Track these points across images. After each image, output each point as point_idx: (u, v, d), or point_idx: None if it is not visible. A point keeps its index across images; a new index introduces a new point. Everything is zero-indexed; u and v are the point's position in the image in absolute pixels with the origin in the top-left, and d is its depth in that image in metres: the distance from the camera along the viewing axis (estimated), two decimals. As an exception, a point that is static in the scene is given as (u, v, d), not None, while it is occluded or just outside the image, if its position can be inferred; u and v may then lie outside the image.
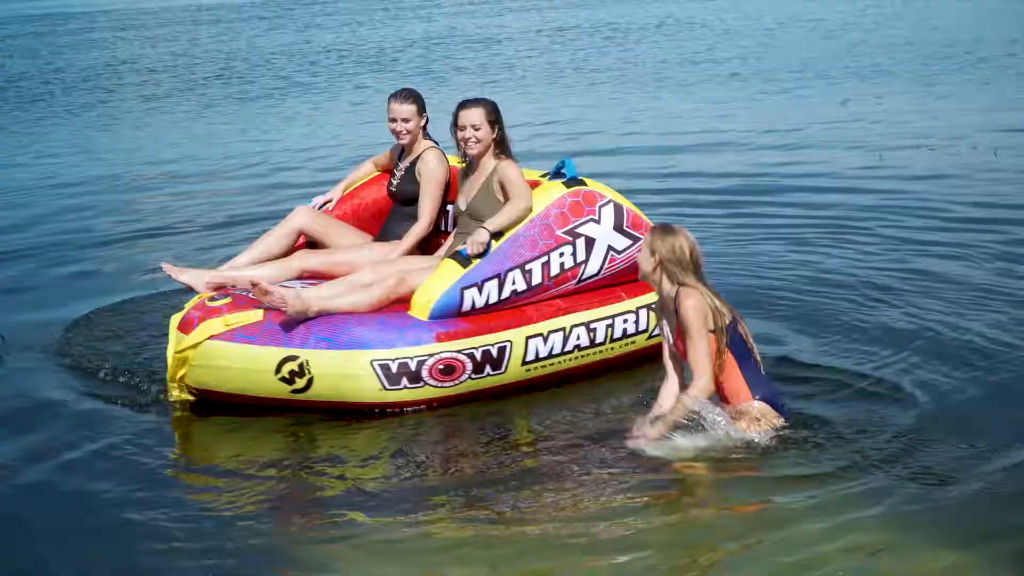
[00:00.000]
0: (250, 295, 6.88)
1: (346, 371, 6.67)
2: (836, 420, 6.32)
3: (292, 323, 6.73)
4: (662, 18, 34.55)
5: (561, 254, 7.05)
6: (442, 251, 7.40)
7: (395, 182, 7.67)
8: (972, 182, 11.96)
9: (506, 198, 7.07)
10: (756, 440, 6.00)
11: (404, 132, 7.51)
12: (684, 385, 6.17)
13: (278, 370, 6.69)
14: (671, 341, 6.21)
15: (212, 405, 6.90)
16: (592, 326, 7.11)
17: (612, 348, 7.20)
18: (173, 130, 18.49)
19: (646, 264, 6.16)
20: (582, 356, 7.09)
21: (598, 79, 22.13)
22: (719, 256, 9.21)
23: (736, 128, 15.92)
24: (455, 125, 7.22)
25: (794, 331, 7.79)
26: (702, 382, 6.00)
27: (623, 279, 7.25)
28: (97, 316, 8.49)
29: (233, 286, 7.12)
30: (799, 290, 8.66)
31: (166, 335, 7.11)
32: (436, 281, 6.86)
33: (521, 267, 6.95)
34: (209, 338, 6.76)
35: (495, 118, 7.18)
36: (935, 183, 11.97)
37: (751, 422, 6.08)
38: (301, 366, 6.67)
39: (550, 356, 6.99)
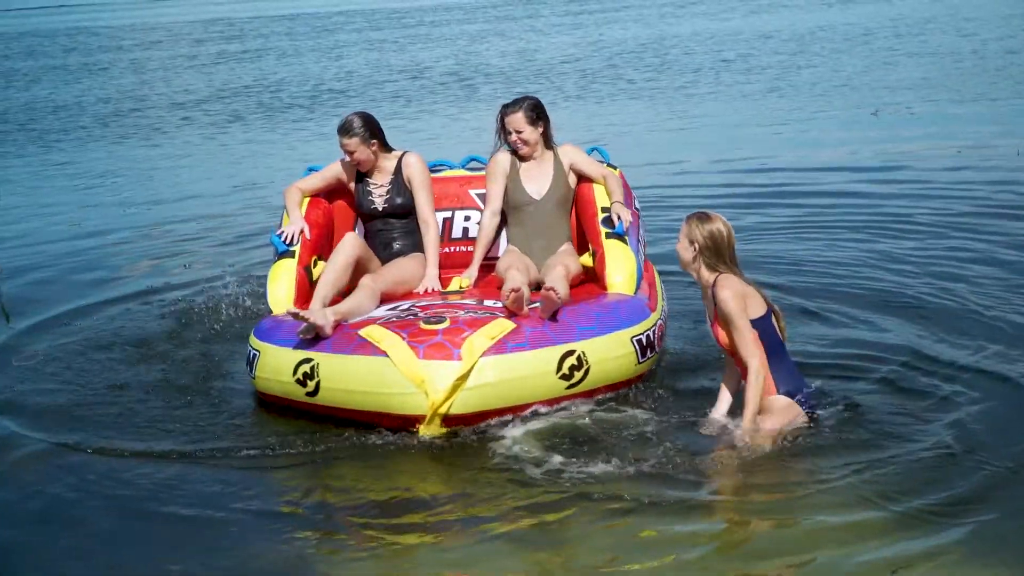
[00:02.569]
0: (429, 311, 6.73)
1: (615, 353, 6.77)
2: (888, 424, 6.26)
3: (553, 321, 6.68)
4: (694, 31, 32.80)
5: (641, 227, 7.71)
6: (492, 242, 7.76)
7: (377, 197, 7.66)
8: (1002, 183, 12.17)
9: (579, 178, 7.69)
10: (779, 431, 6.01)
11: (357, 161, 7.59)
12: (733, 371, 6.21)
13: (559, 368, 6.56)
14: (709, 325, 6.28)
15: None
16: None
17: None
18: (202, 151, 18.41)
19: (685, 253, 6.14)
20: None
21: (639, 91, 22.32)
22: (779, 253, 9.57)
23: (764, 132, 16.47)
24: (502, 129, 7.61)
25: (859, 326, 7.83)
26: (754, 366, 5.99)
27: None
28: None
29: (346, 320, 6.86)
30: (860, 284, 8.75)
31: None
32: (623, 257, 7.22)
33: (640, 237, 7.58)
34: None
35: (534, 118, 7.55)
36: (963, 186, 12.14)
37: (773, 415, 6.11)
38: (579, 358, 6.61)
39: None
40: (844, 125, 16.87)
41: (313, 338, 6.71)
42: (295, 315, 6.70)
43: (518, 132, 7.54)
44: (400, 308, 7.02)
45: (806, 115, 18.09)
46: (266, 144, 18.84)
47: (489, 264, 7.86)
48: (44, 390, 7.52)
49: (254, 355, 6.99)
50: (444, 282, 7.64)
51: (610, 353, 6.73)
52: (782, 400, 6.13)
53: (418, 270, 7.59)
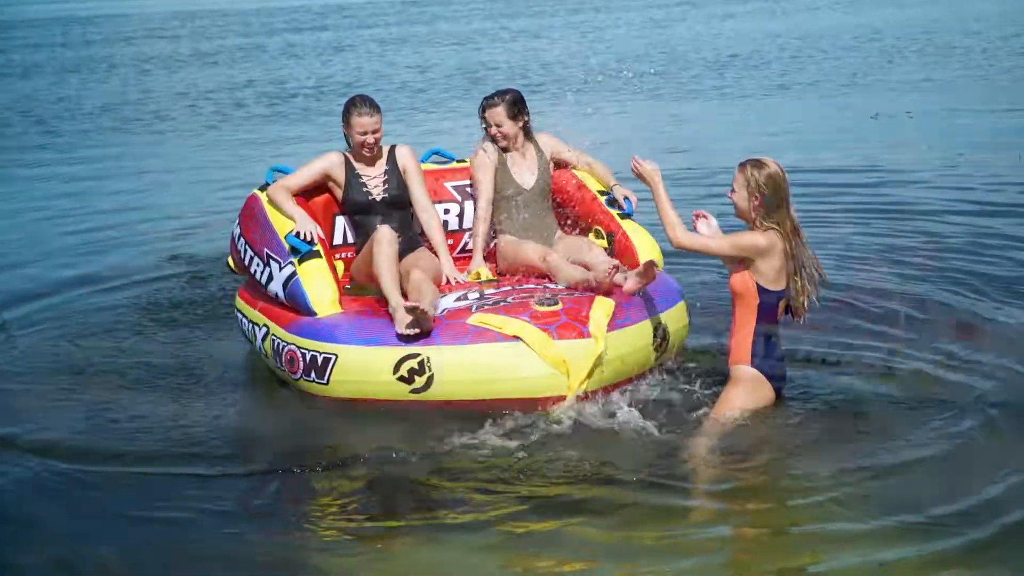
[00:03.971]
0: (550, 294, 6.79)
1: (682, 323, 7.20)
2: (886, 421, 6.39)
3: (642, 295, 6.98)
4: (699, 32, 33.94)
5: None
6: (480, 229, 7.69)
7: (374, 188, 7.49)
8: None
9: (557, 166, 7.92)
10: (744, 404, 6.07)
11: (375, 140, 7.46)
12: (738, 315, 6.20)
13: (653, 339, 6.87)
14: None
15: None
16: None
17: None
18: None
19: (744, 202, 5.99)
20: None
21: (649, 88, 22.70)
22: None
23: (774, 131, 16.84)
24: (483, 122, 7.73)
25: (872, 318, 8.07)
26: (701, 236, 6.18)
27: None
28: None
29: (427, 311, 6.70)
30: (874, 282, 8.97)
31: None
32: (645, 236, 7.59)
33: None
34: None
35: (514, 112, 7.62)
36: (969, 186, 12.57)
37: (735, 383, 6.20)
38: (665, 330, 6.99)
39: None
40: (844, 127, 17.03)
41: (415, 334, 6.46)
42: (412, 309, 6.45)
43: (498, 126, 7.64)
44: (471, 296, 6.93)
45: (807, 117, 18.29)
46: (269, 140, 18.84)
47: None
48: (36, 390, 7.48)
49: (325, 359, 6.60)
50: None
51: (679, 323, 7.15)
52: (750, 370, 6.15)
53: (438, 262, 7.50)
